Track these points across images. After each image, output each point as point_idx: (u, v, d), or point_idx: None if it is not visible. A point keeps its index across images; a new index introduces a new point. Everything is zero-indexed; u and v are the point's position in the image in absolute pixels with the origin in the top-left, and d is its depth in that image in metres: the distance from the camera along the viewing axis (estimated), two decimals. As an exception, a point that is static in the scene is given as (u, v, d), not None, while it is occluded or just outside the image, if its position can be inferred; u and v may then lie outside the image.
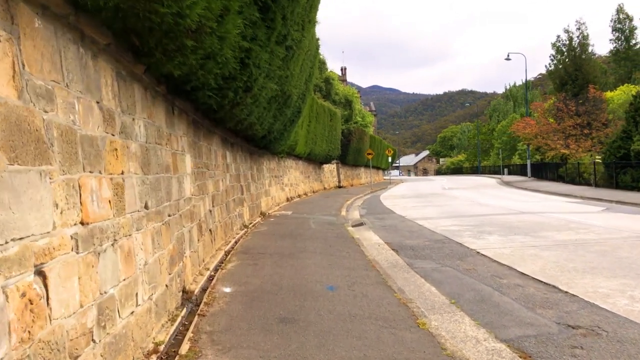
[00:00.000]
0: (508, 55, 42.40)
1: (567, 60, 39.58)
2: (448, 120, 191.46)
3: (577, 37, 41.13)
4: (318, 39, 13.25)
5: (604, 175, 25.80)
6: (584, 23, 41.43)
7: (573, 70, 37.29)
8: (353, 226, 13.40)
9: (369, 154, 35.53)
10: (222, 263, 7.58)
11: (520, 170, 50.14)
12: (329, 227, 12.47)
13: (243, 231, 11.19)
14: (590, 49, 38.79)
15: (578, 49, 38.53)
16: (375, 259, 8.16)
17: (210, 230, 7.84)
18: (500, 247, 9.03)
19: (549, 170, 36.13)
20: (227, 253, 8.49)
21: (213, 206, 8.31)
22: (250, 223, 12.63)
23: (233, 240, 9.69)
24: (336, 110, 30.96)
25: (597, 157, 30.95)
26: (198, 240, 6.69)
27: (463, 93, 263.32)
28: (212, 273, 6.87)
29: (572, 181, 30.68)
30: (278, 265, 7.28)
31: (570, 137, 35.28)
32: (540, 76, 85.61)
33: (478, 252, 8.58)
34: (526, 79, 45.10)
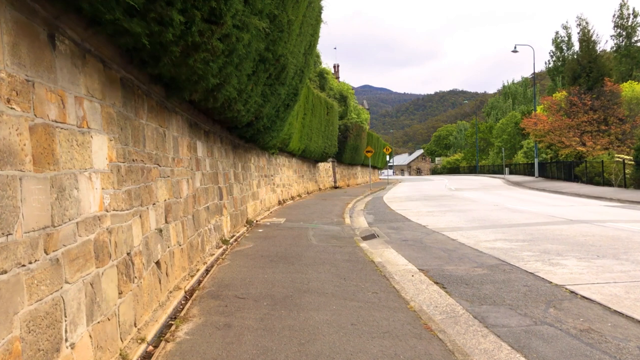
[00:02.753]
0: (515, 47, 39.71)
1: (580, 51, 36.84)
2: (439, 120, 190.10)
3: (578, 33, 38.61)
4: (321, -2, 10.22)
5: (633, 175, 23.07)
6: (584, 19, 38.92)
7: (587, 62, 34.52)
8: (364, 239, 10.46)
9: (369, 151, 32.53)
10: (175, 320, 4.56)
11: (524, 170, 47.36)
12: (335, 242, 9.50)
13: (221, 250, 8.19)
14: (597, 46, 36.02)
15: (591, 40, 35.74)
16: (421, 305, 5.20)
17: (157, 263, 4.82)
18: (597, 281, 6.09)
19: (562, 169, 33.35)
20: (188, 294, 5.48)
21: (166, 222, 5.30)
22: (232, 236, 9.63)
23: (203, 268, 6.69)
24: (333, 103, 27.88)
25: (616, 154, 28.27)
26: (121, 292, 3.68)
27: (454, 93, 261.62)
28: (151, 348, 3.87)
29: (591, 181, 27.95)
30: (267, 329, 4.28)
31: (585, 133, 32.59)
32: (533, 75, 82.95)
33: (572, 292, 5.64)
34: (534, 72, 42.47)
